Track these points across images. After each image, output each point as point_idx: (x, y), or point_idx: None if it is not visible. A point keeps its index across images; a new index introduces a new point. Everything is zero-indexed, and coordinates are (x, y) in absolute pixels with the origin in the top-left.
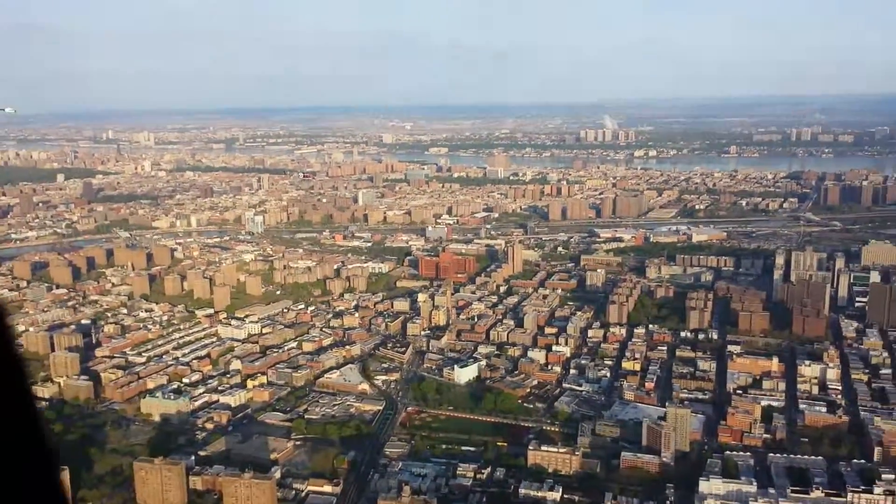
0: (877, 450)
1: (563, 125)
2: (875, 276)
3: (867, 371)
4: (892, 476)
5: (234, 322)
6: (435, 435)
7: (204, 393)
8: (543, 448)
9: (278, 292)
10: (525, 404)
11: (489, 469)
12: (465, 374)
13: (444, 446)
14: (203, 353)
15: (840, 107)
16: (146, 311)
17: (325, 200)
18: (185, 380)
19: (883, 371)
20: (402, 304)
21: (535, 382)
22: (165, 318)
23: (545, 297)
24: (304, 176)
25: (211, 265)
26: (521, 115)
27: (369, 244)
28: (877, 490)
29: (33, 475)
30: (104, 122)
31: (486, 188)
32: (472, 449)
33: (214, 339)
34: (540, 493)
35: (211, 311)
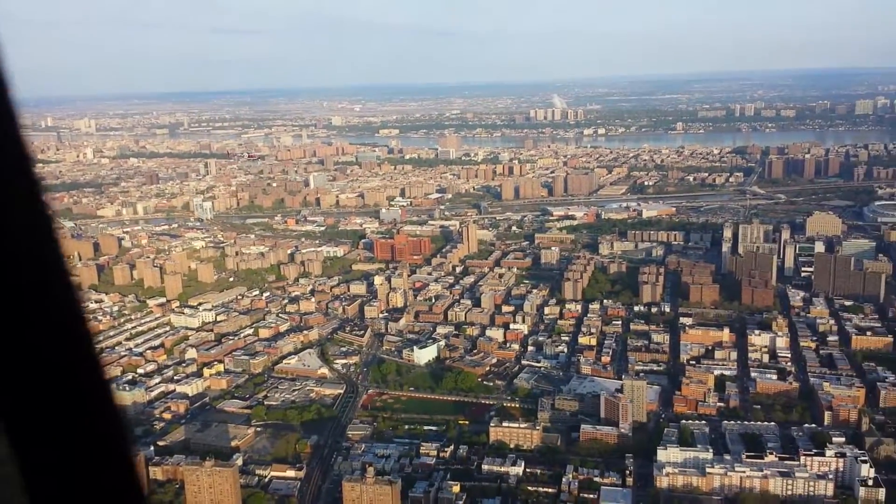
0: (827, 414)
1: (513, 105)
2: (819, 247)
3: (815, 338)
4: (843, 439)
5: (187, 310)
6: (397, 416)
7: (160, 383)
8: (504, 424)
9: (231, 279)
10: (485, 382)
11: (452, 447)
12: (424, 355)
13: (406, 426)
14: (157, 342)
15: (779, 82)
16: (96, 301)
17: (275, 185)
18: (140, 370)
19: (830, 338)
20: (358, 288)
21: (494, 360)
22: (116, 308)
23: (501, 276)
24: (249, 156)
25: (161, 253)
26: (469, 95)
27: (323, 228)
28: (828, 453)
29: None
30: (42, 109)
31: (438, 169)
32: (434, 428)
33: (168, 328)
34: (503, 469)
35: (163, 299)
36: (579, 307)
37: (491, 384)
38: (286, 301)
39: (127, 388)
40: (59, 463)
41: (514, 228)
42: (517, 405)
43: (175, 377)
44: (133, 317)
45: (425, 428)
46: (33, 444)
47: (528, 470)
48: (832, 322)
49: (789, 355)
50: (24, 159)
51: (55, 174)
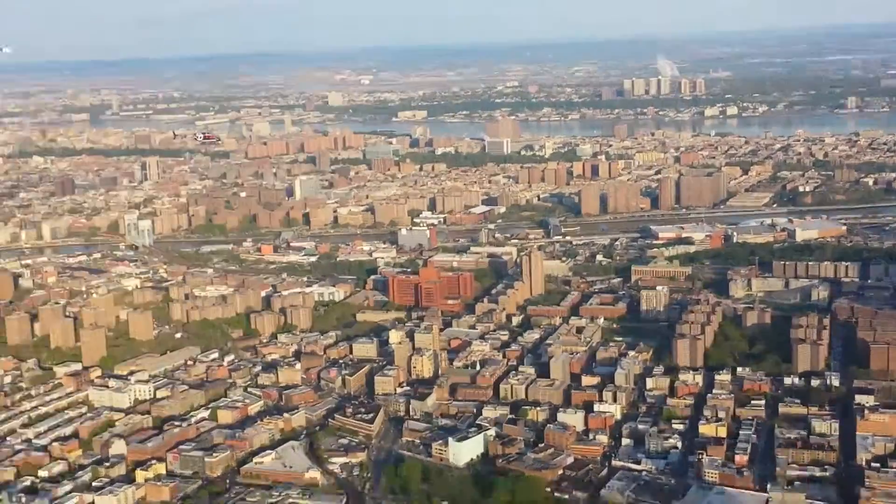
0: None
1: (597, 72)
2: None
3: None
4: None
5: (112, 383)
6: None
7: (72, 492)
8: None
9: (178, 335)
10: (557, 493)
11: None
12: (465, 451)
13: None
14: (69, 430)
15: None
16: None
17: (243, 194)
18: (43, 472)
19: None
20: (366, 348)
21: (570, 460)
22: (9, 379)
23: (581, 330)
24: (205, 137)
25: (75, 297)
26: (532, 58)
27: (314, 258)
28: None
29: None
30: None
31: (486, 169)
32: None
33: (84, 409)
34: None
35: (78, 366)
36: (700, 379)
37: (567, 496)
38: (259, 368)
39: (23, 501)
40: None
41: (599, 258)
42: None
43: (94, 483)
44: (34, 392)
45: None
46: None
47: None
48: None
49: None
50: None
51: None
